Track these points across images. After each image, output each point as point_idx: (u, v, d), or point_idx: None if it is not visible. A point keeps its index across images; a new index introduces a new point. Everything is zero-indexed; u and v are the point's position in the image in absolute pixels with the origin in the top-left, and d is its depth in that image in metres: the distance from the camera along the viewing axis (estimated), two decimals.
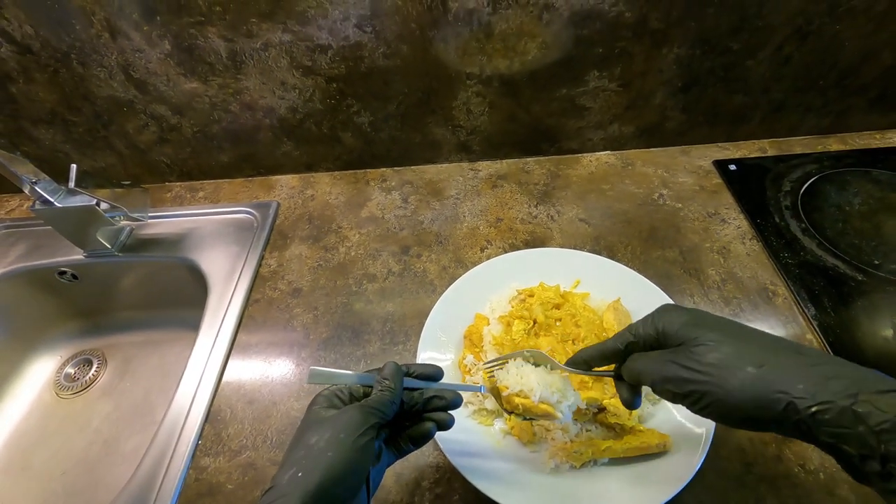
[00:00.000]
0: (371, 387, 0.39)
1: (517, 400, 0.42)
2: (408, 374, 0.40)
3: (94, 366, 0.82)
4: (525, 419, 0.45)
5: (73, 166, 0.61)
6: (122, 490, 0.51)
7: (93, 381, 0.80)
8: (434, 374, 0.41)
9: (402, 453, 0.40)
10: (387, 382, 0.38)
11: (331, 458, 0.32)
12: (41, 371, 0.82)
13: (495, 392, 0.44)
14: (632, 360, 0.37)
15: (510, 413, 0.44)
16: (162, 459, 0.53)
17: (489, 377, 0.45)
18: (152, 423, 0.74)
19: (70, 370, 0.82)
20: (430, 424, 0.39)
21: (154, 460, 0.53)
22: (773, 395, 0.28)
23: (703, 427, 0.46)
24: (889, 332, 0.54)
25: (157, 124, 0.76)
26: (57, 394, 0.79)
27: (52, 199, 0.66)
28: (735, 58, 0.68)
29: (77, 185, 0.61)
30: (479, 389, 0.44)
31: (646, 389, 0.49)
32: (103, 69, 0.69)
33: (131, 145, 0.80)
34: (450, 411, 0.40)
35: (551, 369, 0.43)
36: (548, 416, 0.42)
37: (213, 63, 0.68)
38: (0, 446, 0.74)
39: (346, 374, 0.39)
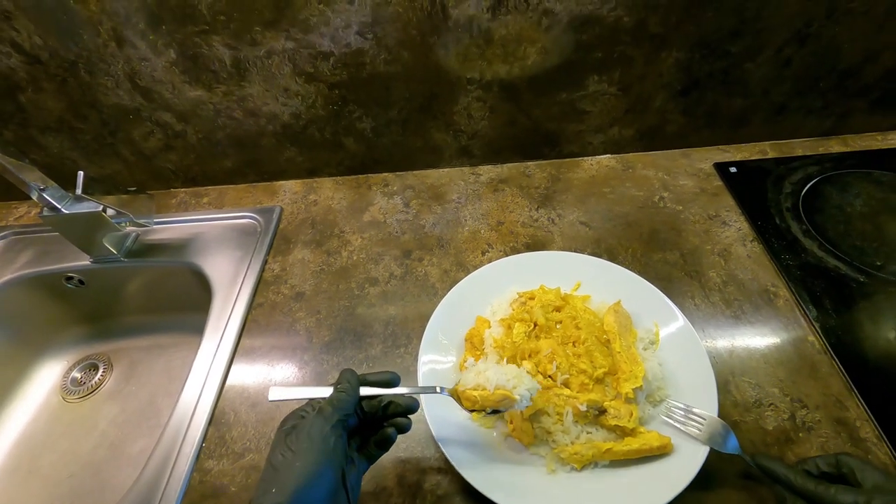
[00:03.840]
0: None
1: (475, 394, 0.43)
2: (364, 383, 0.41)
3: (100, 370, 0.83)
4: (489, 414, 0.45)
5: (81, 173, 0.62)
6: (128, 492, 0.52)
7: (99, 385, 0.81)
8: (390, 380, 0.43)
9: (372, 459, 0.42)
10: (342, 385, 0.39)
11: (299, 467, 0.33)
12: (48, 375, 0.83)
13: (456, 396, 0.45)
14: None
15: (472, 411, 0.46)
16: (166, 462, 0.53)
17: (461, 390, 0.46)
18: (158, 427, 0.75)
19: (76, 374, 0.83)
20: (390, 430, 0.42)
21: (159, 463, 0.54)
22: None
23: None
24: (891, 334, 0.54)
25: (163, 131, 0.78)
26: (63, 398, 0.80)
27: (59, 206, 0.67)
28: (735, 61, 0.68)
29: (84, 191, 0.62)
30: (438, 391, 0.45)
31: (648, 389, 0.49)
32: (110, 78, 0.70)
33: (137, 152, 0.81)
34: (409, 415, 0.43)
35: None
36: (506, 401, 0.43)
37: (217, 71, 0.69)
38: (8, 449, 0.75)
39: (304, 388, 0.42)
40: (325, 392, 0.40)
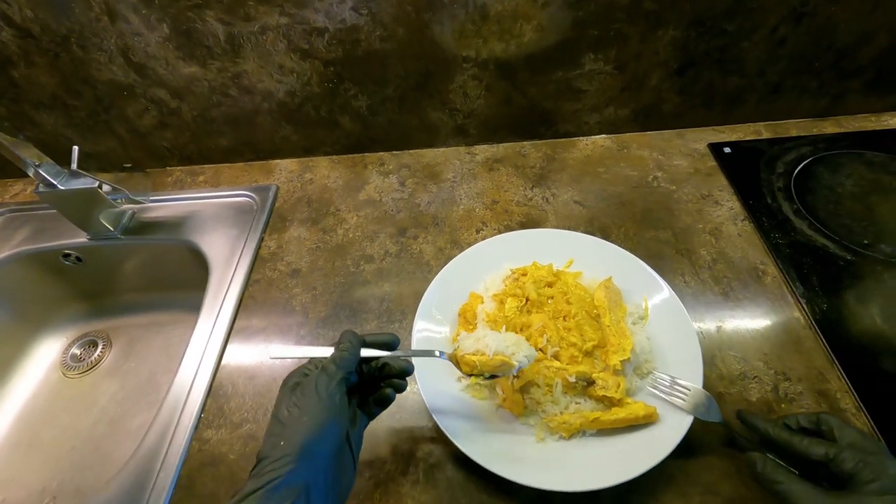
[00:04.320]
0: None
1: (473, 359, 0.45)
2: (365, 344, 0.42)
3: (100, 347, 0.84)
4: (486, 378, 0.46)
5: (76, 148, 0.62)
6: (128, 461, 0.53)
7: (98, 361, 0.82)
8: (390, 342, 0.43)
9: (372, 416, 0.43)
10: (344, 344, 0.40)
11: (307, 422, 0.34)
12: (48, 352, 0.84)
13: (455, 360, 0.46)
14: (791, 481, 0.39)
15: (471, 376, 0.47)
16: (166, 432, 0.55)
17: (460, 355, 0.47)
18: (157, 402, 0.75)
19: (76, 351, 0.84)
20: (388, 390, 0.43)
21: (159, 432, 0.55)
22: None
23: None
24: (876, 311, 0.55)
25: (158, 108, 0.77)
26: (64, 374, 0.81)
27: (55, 182, 0.67)
28: (730, 39, 0.68)
29: (79, 166, 0.62)
30: (437, 355, 0.46)
31: (636, 361, 0.51)
32: (103, 53, 0.69)
33: (132, 129, 0.81)
34: (406, 377, 0.44)
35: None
36: (504, 366, 0.44)
37: (211, 46, 0.69)
38: (9, 424, 0.76)
39: (305, 347, 0.44)
40: (326, 352, 0.41)
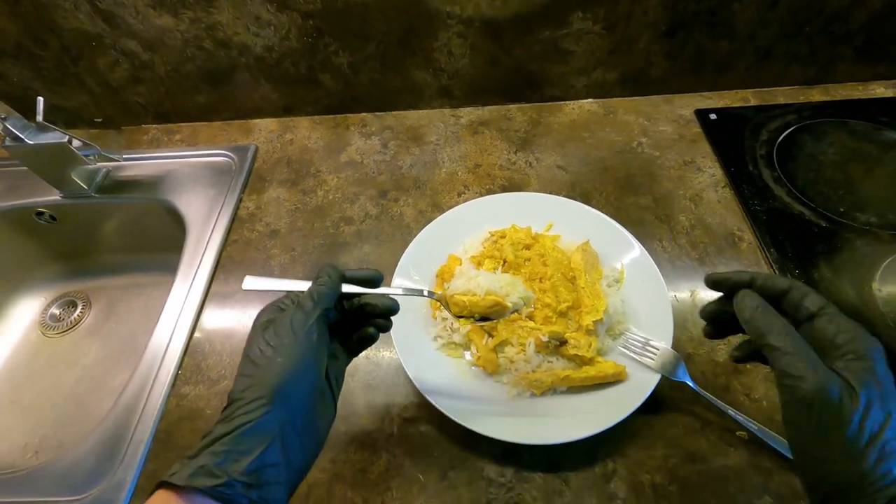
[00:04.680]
0: None
1: (464, 299, 0.42)
2: (345, 280, 0.39)
3: (79, 307, 0.83)
4: (477, 321, 0.44)
5: (40, 99, 0.60)
6: (106, 416, 0.54)
7: (78, 321, 0.82)
8: (373, 277, 0.40)
9: (355, 353, 0.41)
10: (322, 278, 0.37)
11: (281, 362, 0.32)
12: (26, 311, 0.83)
13: (444, 300, 0.44)
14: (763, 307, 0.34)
15: (459, 317, 0.44)
16: (143, 388, 0.55)
17: (450, 295, 0.44)
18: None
19: (55, 311, 0.83)
20: (371, 329, 0.40)
21: (136, 389, 0.55)
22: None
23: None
24: (846, 278, 0.56)
25: (129, 61, 0.74)
26: (43, 333, 0.81)
27: (22, 136, 0.65)
28: (721, 1, 0.66)
29: (45, 118, 0.60)
30: (425, 294, 0.43)
31: (609, 322, 0.51)
32: None
33: (103, 83, 0.78)
34: (391, 316, 0.41)
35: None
36: (497, 307, 0.42)
37: None
38: None
39: (282, 280, 0.40)
40: (304, 286, 0.38)
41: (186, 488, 0.28)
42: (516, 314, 0.50)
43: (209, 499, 0.28)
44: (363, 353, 0.54)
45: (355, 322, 0.41)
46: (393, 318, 0.52)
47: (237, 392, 0.32)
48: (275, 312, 0.36)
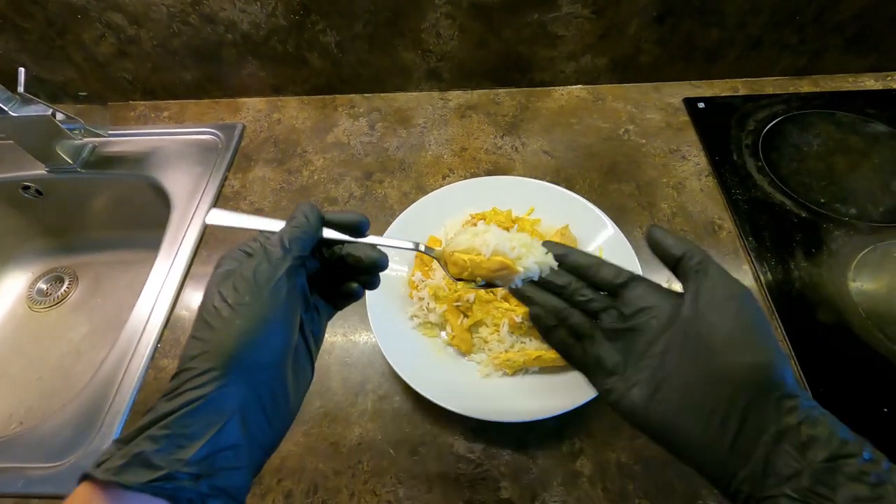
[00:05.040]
0: None
1: (465, 258, 0.35)
2: (326, 223, 0.32)
3: (66, 283, 0.84)
4: (479, 286, 0.36)
5: (21, 70, 0.59)
6: (84, 387, 0.55)
7: (65, 297, 0.82)
8: (357, 223, 0.32)
9: (339, 307, 0.35)
10: (297, 219, 0.30)
11: (239, 325, 0.26)
12: (13, 285, 0.84)
13: (442, 258, 0.38)
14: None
15: (458, 280, 0.37)
16: (122, 360, 0.56)
17: (449, 252, 0.37)
18: None
19: (42, 286, 0.83)
20: (355, 286, 0.34)
21: (115, 361, 0.56)
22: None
23: None
24: (822, 267, 0.56)
25: (115, 35, 0.73)
26: (30, 307, 0.82)
27: (5, 108, 0.65)
28: None
29: (27, 90, 0.59)
30: (419, 248, 0.37)
31: None
32: None
33: (90, 57, 0.77)
34: (379, 271, 0.34)
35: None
36: (505, 272, 0.34)
37: None
38: None
39: (253, 217, 0.33)
40: (278, 226, 0.31)
41: (110, 484, 0.22)
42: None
43: (146, 495, 0.22)
44: (340, 332, 0.56)
45: (337, 274, 0.34)
46: (369, 295, 0.53)
47: (186, 360, 0.25)
48: (238, 259, 0.29)
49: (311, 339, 0.31)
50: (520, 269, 0.34)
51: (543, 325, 0.34)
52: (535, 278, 0.34)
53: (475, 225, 0.58)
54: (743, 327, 0.27)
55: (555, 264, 0.34)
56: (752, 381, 0.26)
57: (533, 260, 0.34)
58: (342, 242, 0.33)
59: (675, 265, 0.32)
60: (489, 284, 0.36)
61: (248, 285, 0.27)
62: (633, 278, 0.33)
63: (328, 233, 0.32)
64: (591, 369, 0.33)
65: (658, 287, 0.33)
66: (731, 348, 0.27)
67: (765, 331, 0.28)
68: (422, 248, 0.37)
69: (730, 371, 0.27)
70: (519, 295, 0.35)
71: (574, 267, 0.34)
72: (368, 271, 0.34)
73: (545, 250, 0.35)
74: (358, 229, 0.33)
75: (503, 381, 0.49)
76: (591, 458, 0.46)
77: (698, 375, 0.28)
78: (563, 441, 0.47)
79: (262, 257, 0.28)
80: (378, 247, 0.33)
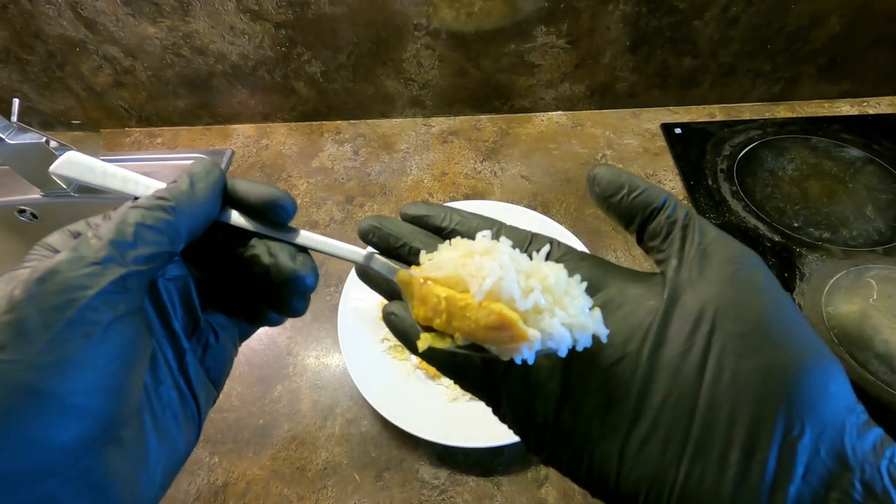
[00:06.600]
0: None
1: (440, 294, 0.20)
2: (234, 196, 0.21)
3: None
4: (458, 348, 0.20)
5: (16, 100, 0.62)
6: None
7: None
8: (270, 198, 0.21)
9: (255, 323, 0.25)
10: (174, 189, 0.19)
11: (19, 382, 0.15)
12: None
13: (409, 287, 0.22)
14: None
15: (426, 330, 0.21)
16: None
17: (416, 278, 0.22)
18: None
19: None
20: (267, 311, 0.24)
21: None
22: None
23: None
24: (794, 291, 0.56)
25: (111, 66, 0.77)
26: None
27: (3, 136, 0.67)
28: (682, 17, 0.68)
29: (20, 119, 0.62)
30: (366, 263, 0.25)
31: None
32: (51, 6, 0.69)
33: (88, 87, 0.80)
34: (304, 294, 0.23)
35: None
36: (505, 331, 0.18)
37: (159, 4, 0.68)
38: None
39: (119, 170, 0.22)
40: (153, 186, 0.21)
41: None
42: None
43: None
44: (313, 354, 0.57)
45: (248, 281, 0.22)
46: (340, 317, 0.54)
47: None
48: (42, 254, 0.19)
49: (197, 383, 0.20)
50: (533, 333, 0.18)
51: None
52: (563, 354, 0.19)
53: None
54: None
55: (604, 332, 0.20)
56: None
57: (561, 321, 0.19)
58: (258, 235, 0.22)
59: (643, 223, 0.22)
60: (476, 347, 0.20)
61: (22, 315, 0.15)
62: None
63: (237, 218, 0.21)
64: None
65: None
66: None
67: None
68: (375, 265, 0.24)
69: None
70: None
71: None
72: (290, 285, 0.21)
73: (587, 302, 0.20)
74: (272, 211, 0.21)
75: (470, 406, 0.49)
76: (555, 486, 0.46)
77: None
78: (528, 467, 0.47)
79: (72, 259, 0.16)
80: (309, 254, 0.23)
